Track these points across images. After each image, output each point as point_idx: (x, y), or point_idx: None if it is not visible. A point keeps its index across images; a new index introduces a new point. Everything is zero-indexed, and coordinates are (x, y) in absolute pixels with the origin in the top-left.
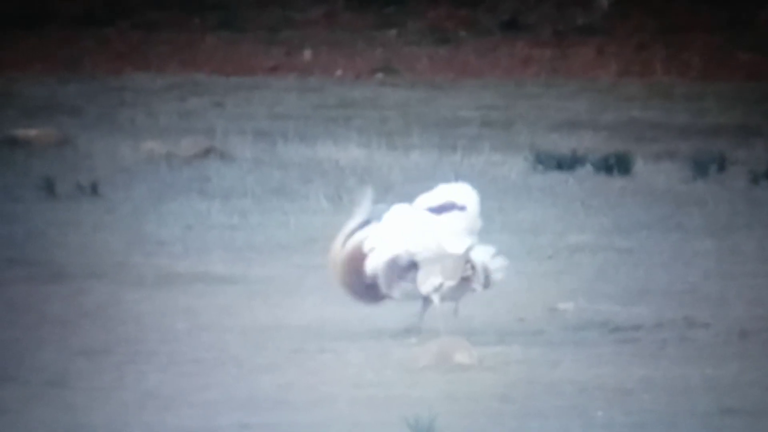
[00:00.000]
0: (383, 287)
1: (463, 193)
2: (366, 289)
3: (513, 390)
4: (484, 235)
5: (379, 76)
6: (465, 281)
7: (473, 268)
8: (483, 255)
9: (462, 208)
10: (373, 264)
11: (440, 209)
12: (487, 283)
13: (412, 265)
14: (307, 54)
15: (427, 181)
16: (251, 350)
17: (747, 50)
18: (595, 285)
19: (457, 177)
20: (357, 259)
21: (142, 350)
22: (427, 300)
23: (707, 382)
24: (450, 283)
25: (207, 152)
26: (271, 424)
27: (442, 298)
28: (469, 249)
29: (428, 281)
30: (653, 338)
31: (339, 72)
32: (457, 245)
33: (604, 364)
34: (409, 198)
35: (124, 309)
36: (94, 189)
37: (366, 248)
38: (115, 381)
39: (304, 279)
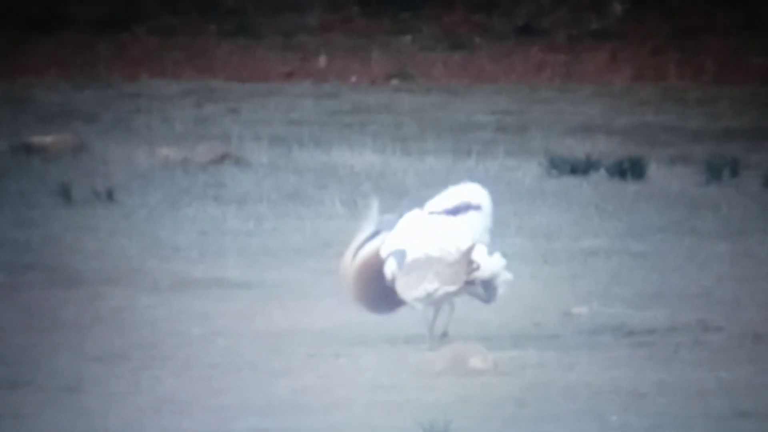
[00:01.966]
0: (401, 291)
1: (476, 192)
2: (382, 297)
3: (528, 394)
4: (498, 239)
5: (394, 81)
6: (468, 285)
7: (479, 269)
8: (493, 264)
9: (477, 208)
10: (391, 268)
11: (456, 210)
12: (489, 297)
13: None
14: (322, 60)
15: (441, 186)
16: (266, 355)
17: (760, 54)
18: (609, 289)
19: (472, 182)
20: (371, 268)
21: (158, 355)
22: (439, 307)
23: (721, 386)
24: (449, 288)
25: (222, 158)
26: (287, 429)
27: (434, 304)
28: (469, 251)
29: (420, 287)
30: (667, 342)
31: (354, 78)
32: (456, 247)
33: (619, 367)
34: (423, 203)
35: (140, 314)
36: (110, 195)
37: (384, 254)
38: (130, 386)
39: (320, 284)
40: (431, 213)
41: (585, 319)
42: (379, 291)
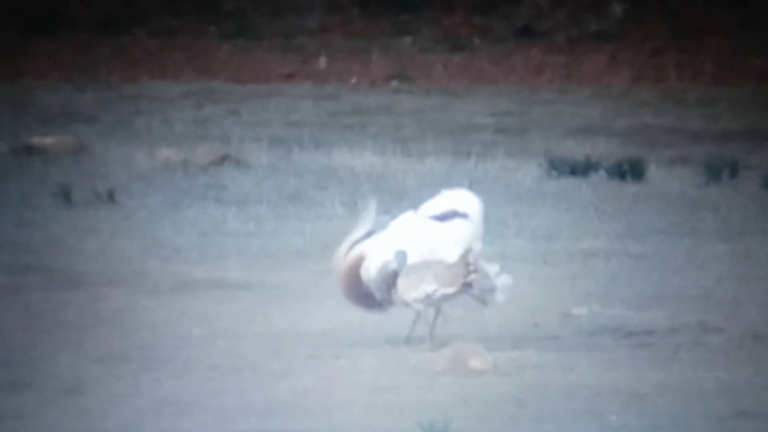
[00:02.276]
0: (376, 293)
1: (465, 200)
2: (365, 296)
3: (528, 394)
4: (498, 240)
5: (394, 83)
6: (466, 287)
7: (476, 271)
8: (489, 273)
9: (464, 216)
10: (367, 271)
11: (442, 217)
12: (486, 301)
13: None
14: (323, 61)
15: (441, 188)
16: (267, 356)
17: (760, 55)
18: (609, 290)
19: (472, 183)
20: (358, 267)
21: (158, 356)
22: (439, 308)
23: (721, 386)
24: (448, 290)
25: (223, 159)
26: (287, 430)
27: (433, 306)
28: (466, 253)
29: (419, 288)
30: (667, 343)
31: (354, 79)
32: (451, 252)
33: (619, 368)
34: (422, 205)
35: (140, 315)
36: (111, 196)
37: (366, 256)
38: (130, 387)
39: (320, 285)
40: (421, 217)
41: (584, 320)
42: (367, 289)
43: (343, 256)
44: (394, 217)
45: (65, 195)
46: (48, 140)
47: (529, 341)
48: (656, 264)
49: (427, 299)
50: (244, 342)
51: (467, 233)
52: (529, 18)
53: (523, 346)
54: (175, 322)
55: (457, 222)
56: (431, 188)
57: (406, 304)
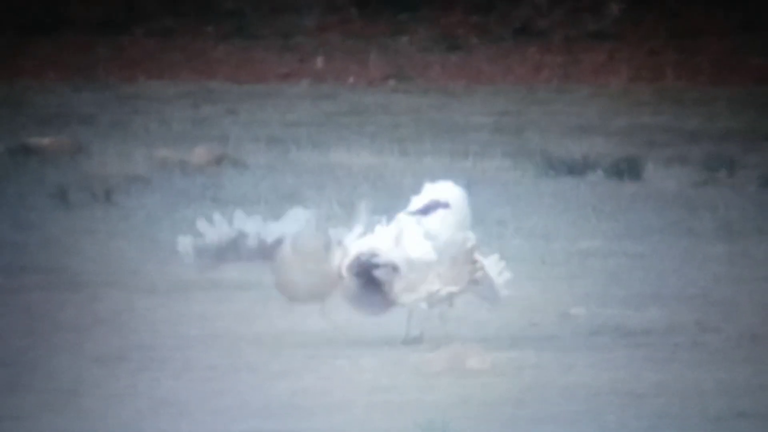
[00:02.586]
0: (401, 292)
1: (446, 190)
2: (370, 297)
3: (526, 395)
4: (496, 240)
5: (392, 82)
6: (472, 284)
7: (482, 269)
8: (491, 270)
9: (445, 206)
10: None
11: (426, 210)
12: (495, 299)
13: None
14: (320, 61)
15: None
16: (266, 356)
17: (757, 55)
18: (607, 290)
19: (469, 182)
20: (358, 269)
21: (156, 357)
22: (435, 308)
23: (719, 386)
24: (452, 288)
25: (220, 159)
26: (287, 430)
27: (437, 305)
28: (471, 250)
29: (421, 288)
30: (665, 342)
31: (351, 79)
32: (442, 245)
33: (617, 368)
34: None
35: (138, 316)
36: (108, 197)
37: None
38: (129, 388)
39: None
40: (408, 213)
41: (583, 320)
42: (365, 291)
43: (339, 261)
44: (388, 217)
45: (62, 195)
46: (45, 140)
47: (527, 341)
48: (654, 263)
49: (431, 298)
50: (242, 342)
51: (452, 222)
52: (526, 18)
53: (521, 346)
54: (174, 322)
55: (439, 213)
56: None
57: (406, 305)
